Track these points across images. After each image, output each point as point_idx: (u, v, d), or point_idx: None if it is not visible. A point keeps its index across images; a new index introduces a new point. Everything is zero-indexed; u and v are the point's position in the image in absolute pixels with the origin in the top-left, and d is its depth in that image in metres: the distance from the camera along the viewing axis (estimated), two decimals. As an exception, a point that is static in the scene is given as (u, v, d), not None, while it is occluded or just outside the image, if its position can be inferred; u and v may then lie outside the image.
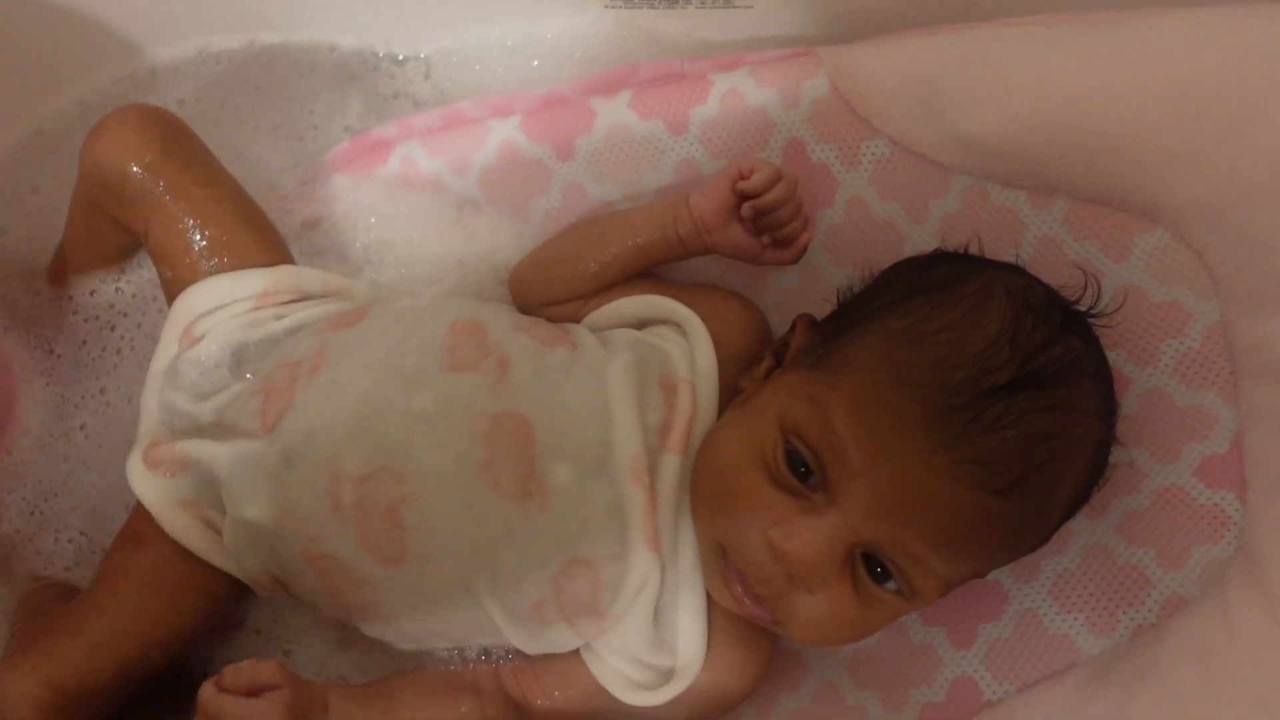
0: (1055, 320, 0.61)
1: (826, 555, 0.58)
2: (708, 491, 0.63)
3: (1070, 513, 0.63)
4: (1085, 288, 0.66)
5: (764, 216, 0.69)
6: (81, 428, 0.80)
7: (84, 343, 0.82)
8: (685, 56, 0.79)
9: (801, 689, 0.71)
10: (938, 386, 0.57)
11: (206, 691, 0.60)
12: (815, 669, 0.71)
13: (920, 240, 0.74)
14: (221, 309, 0.71)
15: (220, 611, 0.71)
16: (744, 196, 0.68)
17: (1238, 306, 0.66)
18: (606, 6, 0.81)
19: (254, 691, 0.61)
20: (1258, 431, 0.64)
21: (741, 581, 0.61)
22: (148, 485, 0.68)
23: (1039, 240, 0.71)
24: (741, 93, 0.76)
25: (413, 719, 0.68)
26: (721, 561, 0.62)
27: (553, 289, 0.74)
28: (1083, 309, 0.65)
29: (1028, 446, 0.57)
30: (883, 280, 0.67)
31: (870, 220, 0.75)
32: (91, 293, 0.83)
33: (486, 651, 0.72)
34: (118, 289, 0.83)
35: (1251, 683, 0.57)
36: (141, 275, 0.82)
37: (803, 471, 0.60)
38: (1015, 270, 0.66)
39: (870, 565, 0.59)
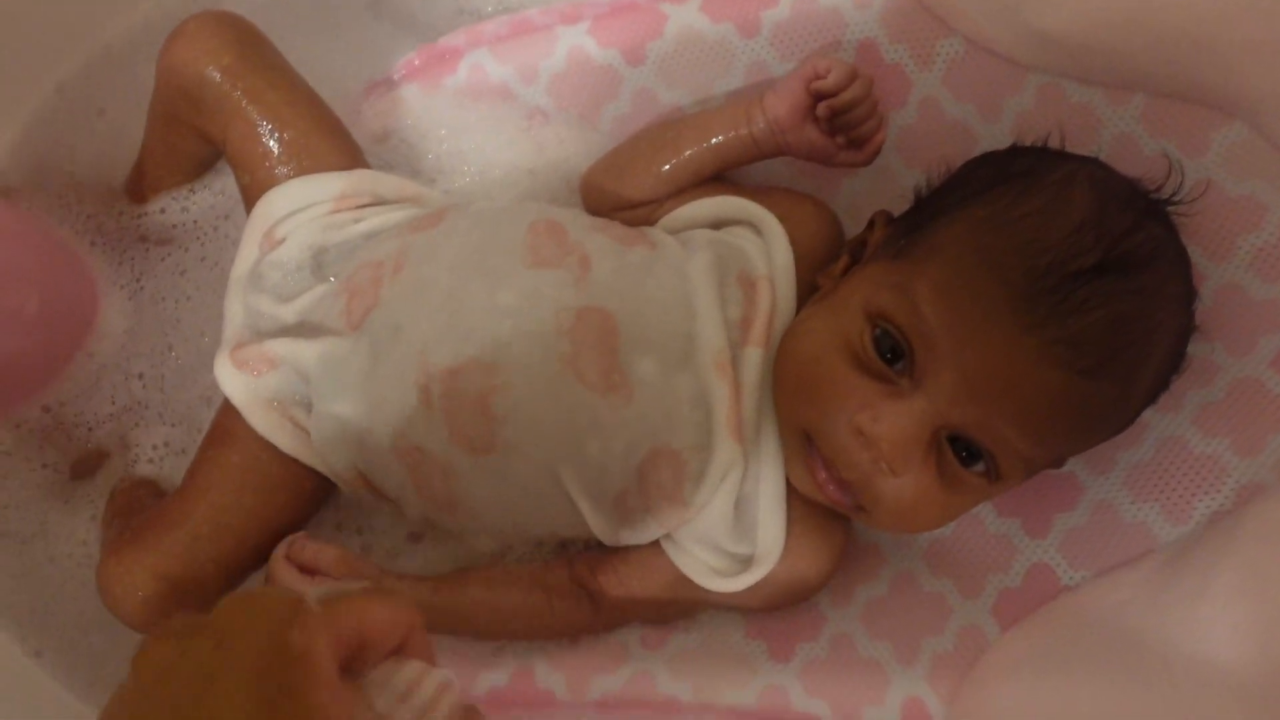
0: (1138, 207, 0.62)
1: (913, 438, 0.58)
2: (792, 380, 0.64)
3: (1152, 398, 0.64)
4: (1169, 176, 0.66)
5: (840, 116, 0.69)
6: (166, 334, 0.81)
7: (164, 258, 0.83)
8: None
9: (879, 577, 0.72)
10: (1024, 270, 0.57)
11: (277, 552, 0.66)
12: (892, 559, 0.73)
13: (994, 140, 0.74)
14: (300, 212, 0.72)
15: (309, 507, 0.72)
16: (819, 96, 0.68)
17: (1316, 199, 0.66)
18: (676, -89, 0.81)
19: (312, 571, 0.66)
20: (1336, 323, 0.64)
21: (826, 467, 0.62)
22: (235, 383, 0.69)
23: (1115, 138, 0.71)
24: (814, -6, 0.76)
25: (478, 602, 0.70)
26: (806, 448, 0.63)
27: (626, 192, 0.74)
28: (1164, 199, 0.65)
29: (1115, 328, 0.57)
30: (962, 173, 0.68)
31: (943, 121, 0.75)
32: (162, 210, 0.84)
33: (566, 548, 0.74)
34: (188, 206, 0.84)
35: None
36: (215, 188, 0.83)
37: (889, 359, 0.60)
38: (1096, 162, 0.66)
39: (956, 449, 0.60)
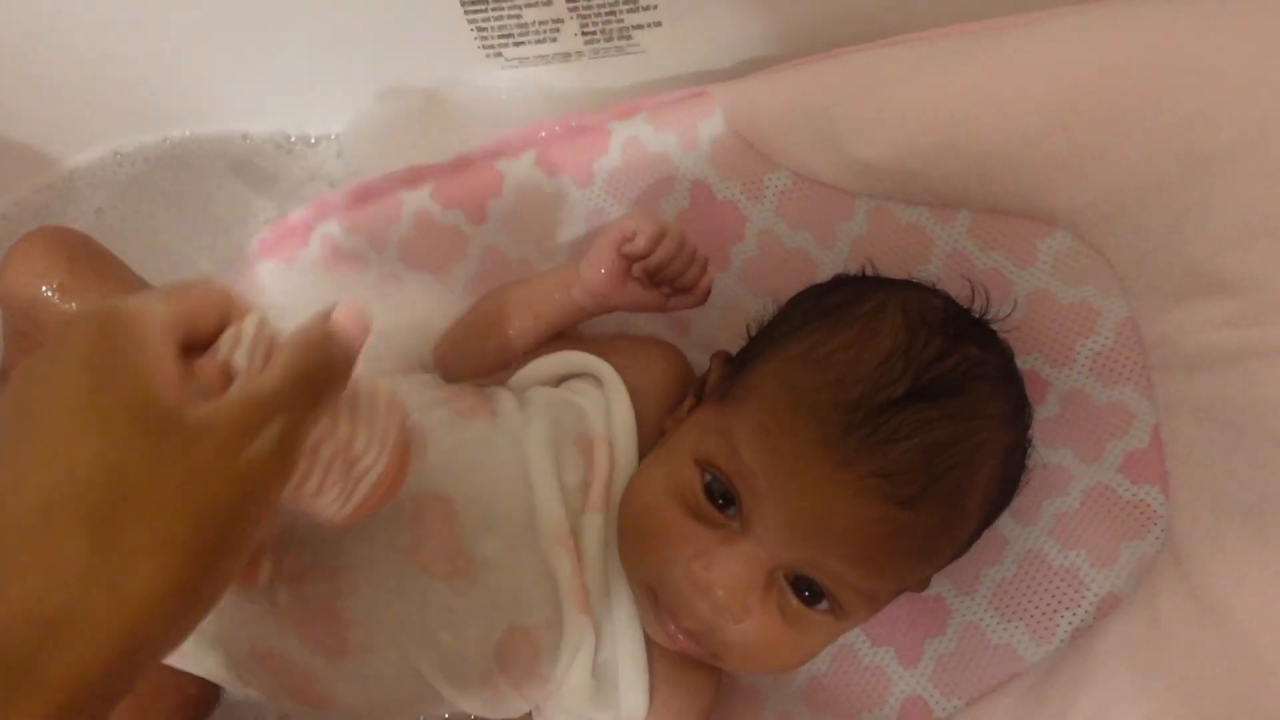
0: (950, 332, 0.62)
1: (746, 582, 0.59)
2: (632, 534, 0.64)
3: (988, 518, 0.64)
4: (974, 296, 0.67)
5: (658, 274, 0.69)
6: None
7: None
8: (586, 107, 0.79)
9: (759, 721, 0.72)
10: (834, 405, 0.58)
11: None
12: (771, 700, 0.72)
13: (832, 265, 0.75)
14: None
15: (203, 710, 0.72)
16: (632, 258, 0.68)
17: (1143, 301, 0.66)
18: (503, 69, 0.82)
19: None
20: (1174, 423, 0.65)
21: (672, 619, 0.62)
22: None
23: (947, 254, 0.72)
24: (641, 140, 0.77)
25: None
26: (654, 602, 0.63)
27: (470, 366, 0.75)
28: (984, 317, 0.66)
29: (929, 455, 0.58)
30: (785, 310, 0.68)
31: (782, 250, 0.76)
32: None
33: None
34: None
35: (1182, 681, 0.58)
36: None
37: (721, 503, 0.61)
38: (913, 286, 0.67)
39: (798, 589, 0.60)
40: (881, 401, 0.58)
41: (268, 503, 0.42)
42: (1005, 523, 0.69)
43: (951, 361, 0.60)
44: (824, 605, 0.60)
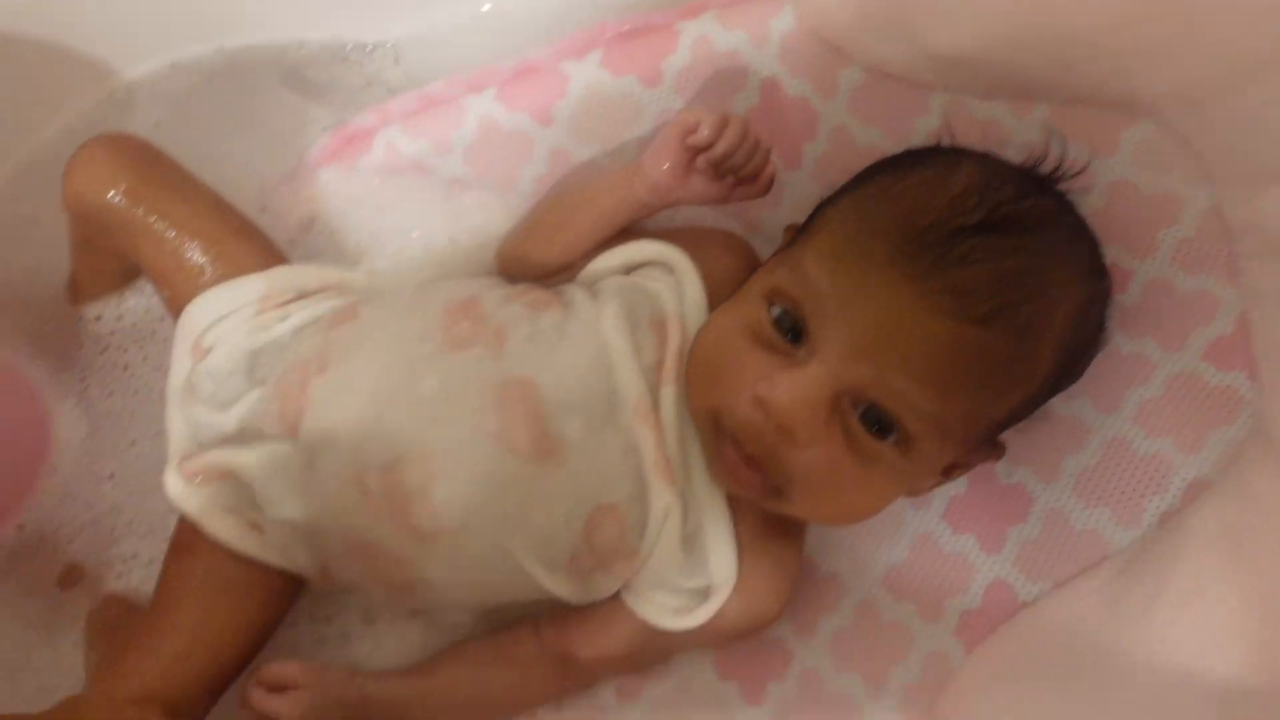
0: (1027, 180, 0.63)
1: (810, 402, 0.58)
2: (699, 368, 0.65)
3: (1063, 368, 0.63)
4: (1047, 152, 0.66)
5: (722, 165, 0.68)
6: (132, 444, 0.82)
7: (110, 365, 0.83)
8: (651, 9, 0.78)
9: (841, 608, 0.72)
10: (906, 228, 0.58)
11: (248, 685, 0.68)
12: (852, 587, 0.72)
13: (906, 161, 0.74)
14: (225, 319, 0.71)
15: (282, 604, 0.72)
16: (696, 150, 0.68)
17: (1229, 189, 0.66)
18: (567, -32, 0.81)
19: (282, 688, 0.68)
20: (1262, 310, 0.65)
21: (735, 448, 0.62)
22: (186, 497, 0.69)
23: (1025, 147, 0.71)
24: (711, 38, 0.76)
25: (452, 688, 0.71)
26: (716, 434, 0.63)
27: (535, 266, 0.75)
28: (1057, 179, 0.66)
29: (1000, 280, 0.57)
30: (857, 174, 0.68)
31: (855, 147, 0.75)
32: (98, 318, 0.84)
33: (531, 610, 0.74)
34: (121, 313, 0.84)
35: (1276, 559, 0.58)
36: (147, 291, 0.83)
37: (790, 337, 0.61)
38: (987, 153, 0.66)
39: (867, 421, 0.60)
40: (955, 228, 0.57)
41: None
42: (1087, 411, 0.69)
43: (1028, 204, 0.60)
44: (891, 438, 0.60)
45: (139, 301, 0.84)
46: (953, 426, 0.60)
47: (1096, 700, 0.62)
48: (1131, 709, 0.61)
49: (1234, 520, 0.61)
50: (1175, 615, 0.60)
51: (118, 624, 0.75)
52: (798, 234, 0.67)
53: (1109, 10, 0.65)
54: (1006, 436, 0.66)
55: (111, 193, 0.72)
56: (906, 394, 0.58)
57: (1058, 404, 0.69)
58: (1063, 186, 0.66)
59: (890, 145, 0.74)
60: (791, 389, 0.58)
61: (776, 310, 0.61)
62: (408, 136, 0.82)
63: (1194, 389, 0.67)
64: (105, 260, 0.79)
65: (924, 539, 0.72)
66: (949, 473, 0.66)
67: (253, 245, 0.74)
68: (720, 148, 0.67)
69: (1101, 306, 0.65)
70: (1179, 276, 0.68)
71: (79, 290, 0.83)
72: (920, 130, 0.73)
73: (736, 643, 0.70)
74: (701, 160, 0.68)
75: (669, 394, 0.66)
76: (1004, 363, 0.59)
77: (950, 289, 0.56)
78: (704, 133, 0.66)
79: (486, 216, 0.80)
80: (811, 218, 0.66)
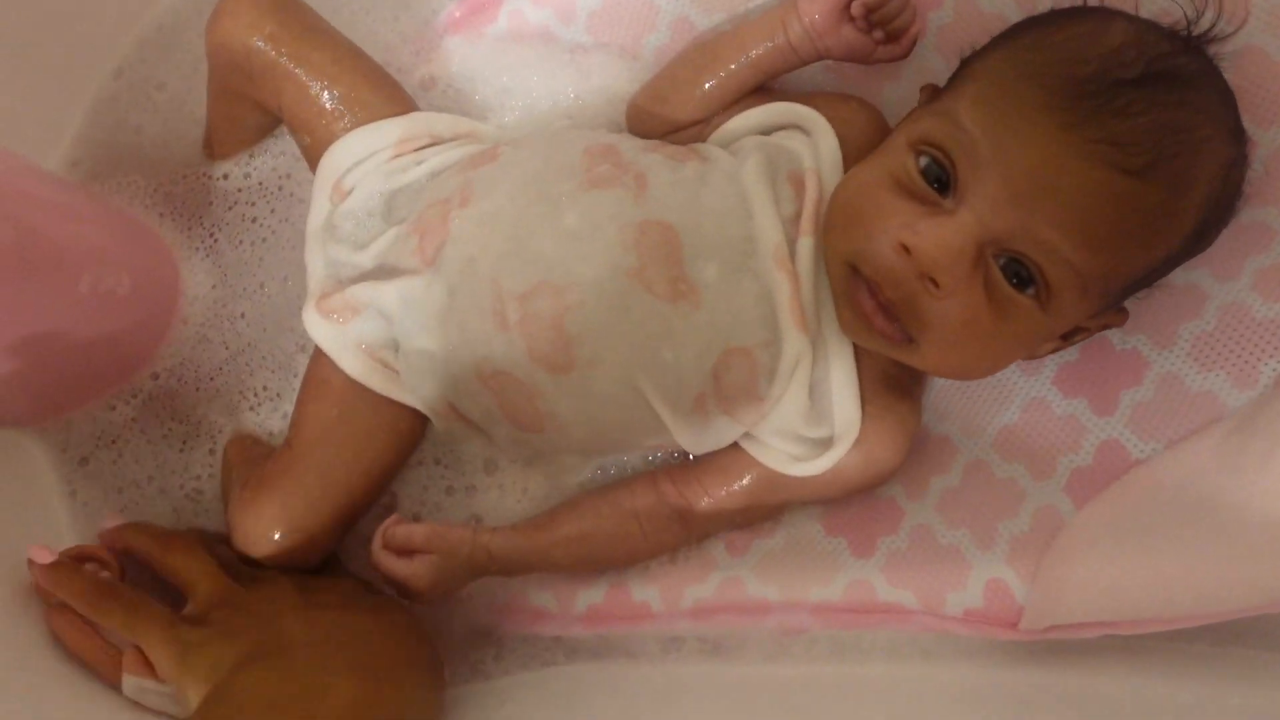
0: (1178, 40, 0.63)
1: (956, 250, 0.59)
2: (839, 216, 0.66)
3: (1202, 226, 0.63)
4: (1205, 8, 0.65)
5: (874, 12, 0.70)
6: (261, 286, 0.85)
7: (238, 218, 0.86)
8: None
9: (952, 469, 0.74)
10: (1065, 77, 0.58)
11: (374, 544, 0.71)
12: (963, 448, 0.74)
13: (1033, 31, 0.74)
14: (364, 161, 0.74)
15: (407, 447, 0.75)
16: None
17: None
18: None
19: (408, 552, 0.70)
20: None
21: (872, 293, 0.63)
22: (324, 332, 0.72)
23: (1157, 10, 0.71)
24: (843, -95, 0.76)
25: (572, 540, 0.73)
26: (852, 281, 0.64)
27: (673, 115, 0.76)
28: (1206, 40, 0.65)
29: (1158, 134, 0.57)
30: (1003, 32, 0.68)
31: (980, 16, 0.76)
32: (225, 176, 0.87)
33: (651, 462, 0.77)
34: (249, 171, 0.87)
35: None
36: (274, 150, 0.86)
37: (936, 187, 0.61)
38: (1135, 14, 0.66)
39: (1007, 273, 0.60)
40: (1115, 79, 0.58)
41: None
42: (1205, 279, 0.69)
43: (1182, 60, 0.60)
44: (1031, 290, 0.60)
45: (265, 161, 0.87)
46: (1094, 280, 0.61)
47: (1209, 552, 0.63)
48: (1246, 560, 0.62)
49: (1356, 379, 0.62)
50: (1294, 465, 0.61)
51: (252, 458, 0.78)
52: (941, 90, 0.67)
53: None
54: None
55: (256, 38, 0.74)
56: (1055, 245, 0.58)
57: (1176, 273, 0.69)
58: (1210, 49, 0.66)
59: (1017, 12, 0.75)
60: (939, 236, 0.59)
61: (924, 160, 0.62)
62: (533, 5, 0.83)
63: (1317, 256, 0.67)
64: (244, 110, 0.82)
65: (1035, 403, 0.73)
66: (1069, 337, 0.67)
67: (389, 93, 0.76)
68: None
69: (1242, 170, 0.65)
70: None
71: (214, 144, 0.86)
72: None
73: (850, 496, 0.72)
74: (857, 5, 0.69)
75: (806, 245, 0.68)
76: (1153, 216, 0.59)
77: (1109, 139, 0.57)
78: None
79: (612, 77, 0.82)
80: (957, 74, 0.67)
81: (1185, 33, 0.65)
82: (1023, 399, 0.73)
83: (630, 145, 0.71)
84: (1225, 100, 0.63)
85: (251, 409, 0.83)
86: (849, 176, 0.67)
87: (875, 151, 0.67)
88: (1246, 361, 0.68)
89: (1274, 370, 0.67)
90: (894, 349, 0.65)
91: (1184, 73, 0.60)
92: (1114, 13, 0.63)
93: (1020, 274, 0.60)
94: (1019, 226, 0.58)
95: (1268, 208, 0.69)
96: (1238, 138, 0.64)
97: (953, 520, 0.72)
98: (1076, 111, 0.57)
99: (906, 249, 0.60)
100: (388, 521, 0.72)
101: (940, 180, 0.61)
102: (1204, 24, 0.66)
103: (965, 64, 0.67)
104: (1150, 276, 0.65)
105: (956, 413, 0.75)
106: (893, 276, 0.61)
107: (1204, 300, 0.70)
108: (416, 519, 0.78)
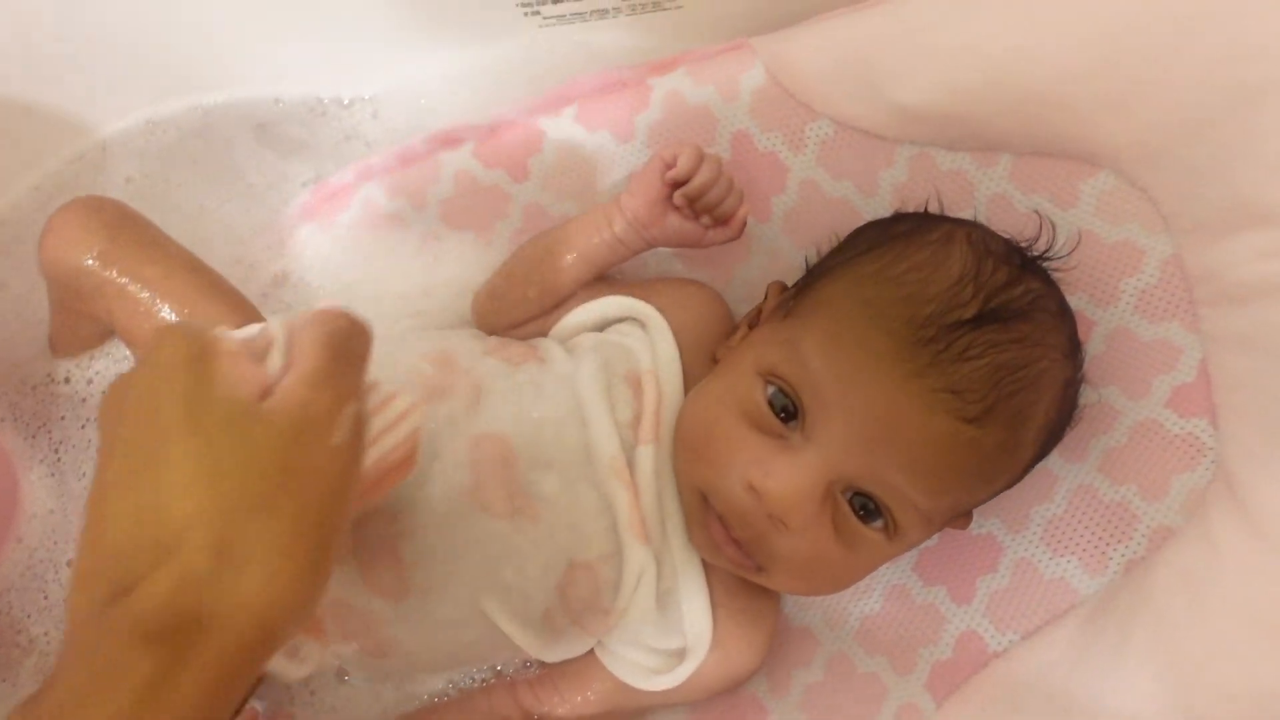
0: (1015, 263, 0.64)
1: (805, 492, 0.59)
2: (688, 442, 0.65)
3: (1043, 449, 0.65)
4: (1040, 232, 0.67)
5: (697, 200, 0.70)
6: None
7: (82, 425, 0.83)
8: (623, 65, 0.80)
9: (814, 663, 0.72)
10: (907, 320, 0.59)
11: None
12: (825, 641, 0.73)
13: (875, 212, 0.75)
14: (200, 380, 0.72)
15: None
16: (675, 185, 0.69)
17: (1188, 237, 0.67)
18: (540, 27, 0.83)
19: None
20: (1221, 356, 0.65)
21: (723, 528, 0.62)
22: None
23: (990, 198, 0.72)
24: (681, 93, 0.77)
25: None
26: (703, 509, 0.63)
27: (510, 314, 0.76)
28: (1039, 254, 0.67)
29: (997, 376, 0.59)
30: (848, 239, 0.70)
31: (824, 200, 0.76)
32: (66, 380, 0.84)
33: (505, 669, 0.74)
34: (91, 377, 0.84)
35: (1240, 604, 0.58)
36: (116, 355, 0.83)
37: (783, 417, 0.61)
38: (974, 224, 0.68)
39: (854, 506, 0.61)
40: (953, 321, 0.59)
41: (355, 481, 0.46)
42: (1054, 460, 0.70)
43: (1019, 290, 0.62)
44: (879, 523, 0.61)
45: (108, 365, 0.84)
46: (940, 514, 0.62)
47: (1066, 750, 0.62)
48: (1101, 758, 0.62)
49: (1197, 567, 0.62)
50: (1141, 664, 0.61)
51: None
52: (789, 300, 0.67)
53: (1065, 65, 0.66)
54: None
55: (85, 257, 0.71)
56: (901, 489, 0.59)
57: (1026, 454, 0.70)
58: (1047, 265, 0.67)
59: (858, 198, 0.76)
60: (787, 478, 0.59)
61: (772, 389, 0.62)
62: (385, 194, 0.83)
63: (1157, 436, 0.68)
64: (79, 324, 0.79)
65: (895, 590, 0.73)
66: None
67: (226, 304, 0.74)
68: (697, 181, 0.68)
69: (1078, 384, 0.66)
70: (1141, 325, 0.69)
71: (57, 345, 0.84)
72: (888, 183, 0.75)
73: (712, 696, 0.70)
74: (678, 196, 0.69)
75: (646, 453, 0.67)
76: (996, 456, 0.61)
77: (949, 388, 0.58)
78: (682, 164, 0.68)
79: (462, 268, 0.81)
80: (804, 288, 0.67)
81: (1020, 250, 0.66)
82: (884, 586, 0.73)
83: (468, 350, 0.70)
84: (1061, 322, 0.64)
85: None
86: (697, 398, 0.67)
87: (724, 368, 0.67)
88: (1096, 547, 0.68)
89: (1123, 556, 0.67)
90: (744, 573, 0.64)
91: (1018, 306, 0.61)
92: (953, 235, 0.64)
93: (867, 506, 0.61)
94: (866, 470, 0.59)
95: (1110, 386, 0.70)
96: (1074, 355, 0.65)
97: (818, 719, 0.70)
98: (918, 359, 0.58)
99: (755, 490, 0.59)
100: (245, 713, 0.69)
101: (787, 410, 0.61)
102: (1041, 244, 0.67)
103: (811, 278, 0.67)
104: (996, 495, 0.66)
105: (819, 602, 0.74)
106: (742, 516, 0.61)
107: (1053, 483, 0.70)
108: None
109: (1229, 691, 0.57)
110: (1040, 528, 0.70)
